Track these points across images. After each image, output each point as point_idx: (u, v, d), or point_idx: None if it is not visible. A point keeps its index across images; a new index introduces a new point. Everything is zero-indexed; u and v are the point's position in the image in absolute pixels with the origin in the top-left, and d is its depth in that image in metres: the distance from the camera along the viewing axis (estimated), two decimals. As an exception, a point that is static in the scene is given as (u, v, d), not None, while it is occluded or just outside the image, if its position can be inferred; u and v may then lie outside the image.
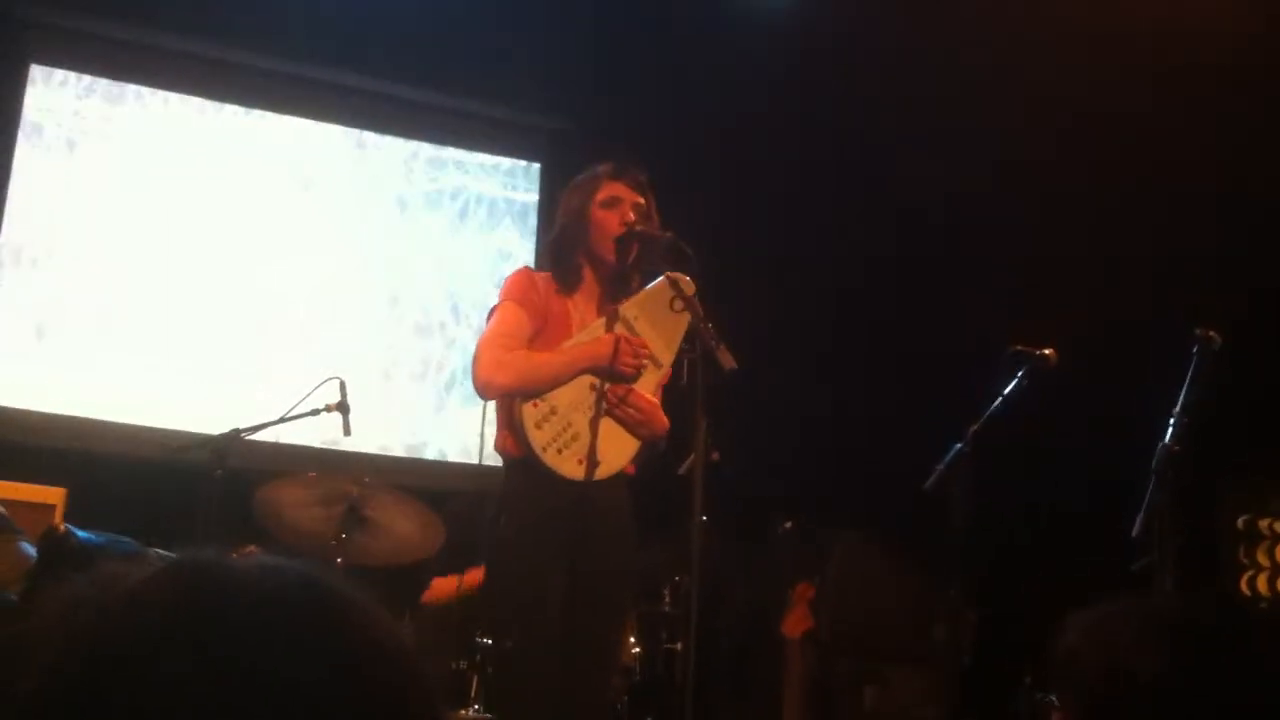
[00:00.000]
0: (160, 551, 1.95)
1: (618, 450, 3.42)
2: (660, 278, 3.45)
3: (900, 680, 5.07)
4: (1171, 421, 3.40)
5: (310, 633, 0.76)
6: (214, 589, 0.77)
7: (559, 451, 3.34)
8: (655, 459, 3.56)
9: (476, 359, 3.40)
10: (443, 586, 4.71)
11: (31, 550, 2.96)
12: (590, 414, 3.37)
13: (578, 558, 3.31)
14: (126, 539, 2.09)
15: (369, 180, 6.35)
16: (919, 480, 3.73)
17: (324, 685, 0.74)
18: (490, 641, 4.33)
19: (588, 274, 3.55)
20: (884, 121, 5.88)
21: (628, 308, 3.47)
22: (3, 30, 5.76)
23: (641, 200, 3.53)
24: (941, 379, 4.94)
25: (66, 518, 4.43)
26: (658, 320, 3.47)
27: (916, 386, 5.50)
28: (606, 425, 3.39)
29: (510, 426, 3.40)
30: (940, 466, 3.67)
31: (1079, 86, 5.29)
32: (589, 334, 3.44)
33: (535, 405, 3.34)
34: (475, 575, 4.52)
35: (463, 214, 6.51)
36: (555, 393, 3.37)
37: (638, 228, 3.45)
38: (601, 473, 3.36)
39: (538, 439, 3.33)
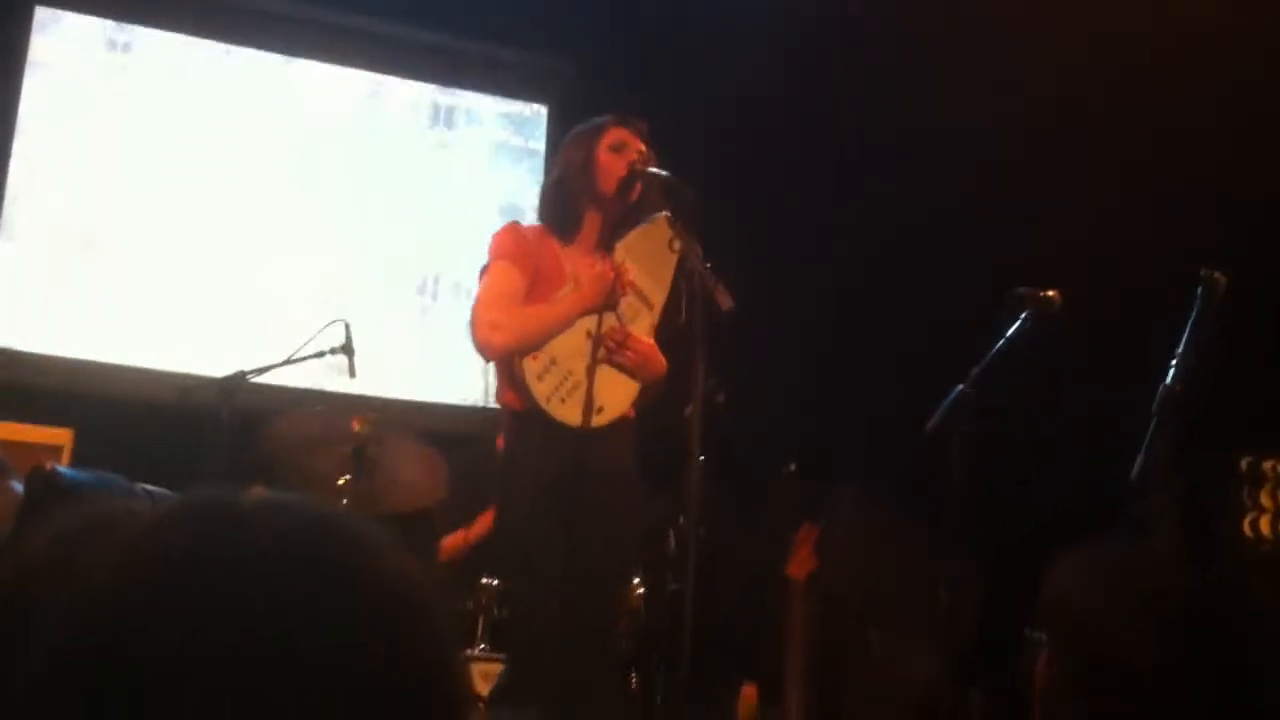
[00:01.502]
0: (148, 488, 1.95)
1: (619, 395, 3.43)
2: (651, 219, 3.45)
3: (903, 625, 5.09)
4: (1174, 362, 3.38)
5: (335, 586, 0.73)
6: (223, 537, 0.74)
7: (562, 401, 3.36)
8: (655, 402, 3.58)
9: (474, 322, 3.41)
10: (452, 543, 4.75)
11: (19, 488, 2.98)
12: (588, 361, 3.38)
13: (583, 505, 3.34)
14: (116, 476, 2.09)
15: (376, 123, 6.33)
16: (923, 423, 3.72)
17: (350, 644, 0.72)
18: (496, 582, 4.38)
19: (590, 221, 3.55)
20: (890, 62, 5.83)
21: (620, 250, 3.48)
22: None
23: (644, 148, 3.53)
24: (948, 321, 4.93)
25: (74, 459, 4.46)
26: (648, 261, 3.48)
27: (922, 329, 5.49)
28: (606, 371, 3.41)
29: (511, 381, 3.42)
30: (941, 409, 3.67)
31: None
32: (579, 279, 3.44)
33: (534, 358, 3.36)
34: (481, 523, 4.55)
35: (471, 158, 6.48)
36: (553, 343, 3.39)
37: (638, 167, 3.45)
38: (605, 418, 3.39)
39: (540, 391, 3.35)
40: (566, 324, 3.39)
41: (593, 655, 3.45)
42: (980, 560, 4.51)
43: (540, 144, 6.60)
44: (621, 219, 3.54)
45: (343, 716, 0.69)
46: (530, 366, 3.35)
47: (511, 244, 3.50)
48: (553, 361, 3.37)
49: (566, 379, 3.37)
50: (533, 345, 3.36)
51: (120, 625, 0.69)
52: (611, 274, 3.40)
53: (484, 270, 3.51)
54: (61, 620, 0.71)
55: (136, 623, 0.69)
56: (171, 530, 0.75)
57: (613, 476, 3.42)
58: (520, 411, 3.41)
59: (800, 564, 4.52)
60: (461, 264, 6.20)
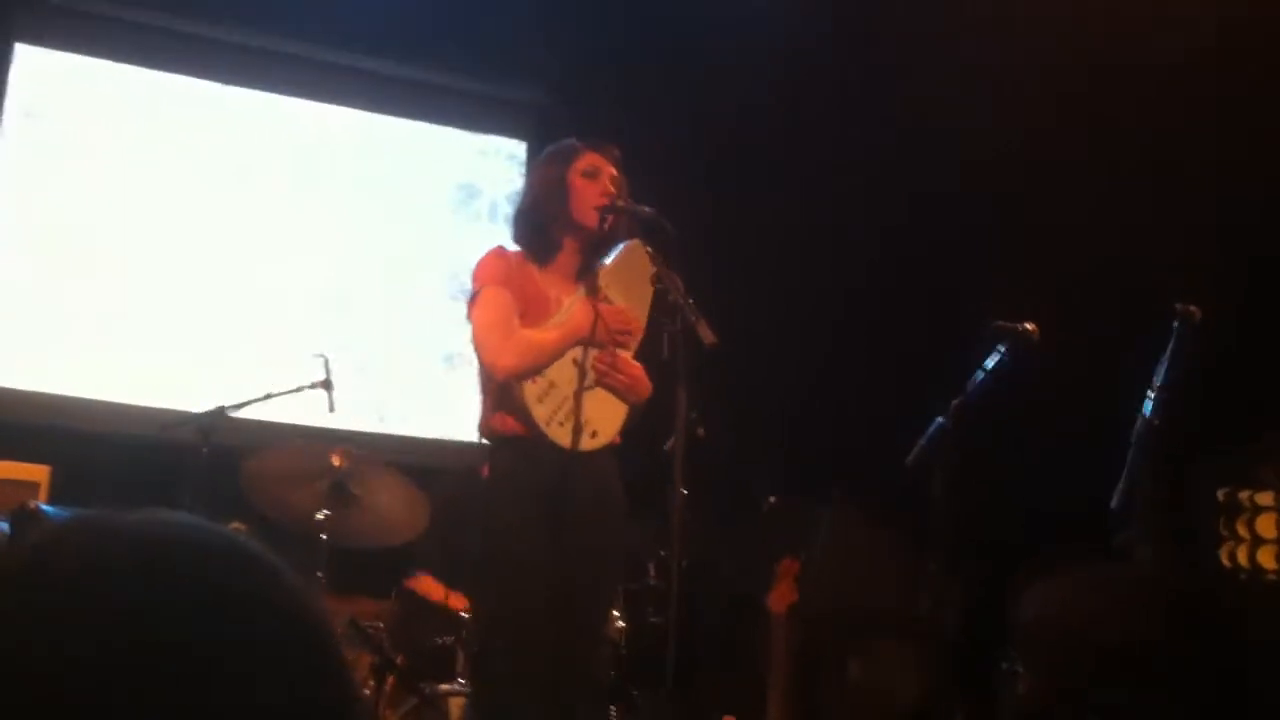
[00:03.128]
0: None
1: (610, 417, 3.47)
2: (623, 245, 3.47)
3: (885, 652, 5.09)
4: (1151, 395, 3.41)
5: (214, 599, 0.72)
6: (95, 550, 0.72)
7: (560, 424, 3.38)
8: (635, 426, 3.59)
9: (482, 348, 3.42)
10: (431, 588, 4.72)
11: (5, 527, 2.97)
12: (584, 385, 3.40)
13: (570, 530, 3.33)
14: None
15: (355, 160, 6.32)
16: (903, 455, 3.75)
17: (227, 656, 0.69)
18: (469, 616, 4.35)
19: (566, 245, 3.56)
20: (872, 93, 5.88)
21: (602, 278, 3.49)
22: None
23: (616, 174, 3.55)
24: (925, 354, 4.96)
25: (51, 495, 4.43)
26: (628, 287, 3.51)
27: (900, 362, 5.51)
28: (596, 394, 3.44)
29: (507, 405, 3.42)
30: (922, 441, 3.69)
31: (1069, 64, 5.29)
32: (568, 309, 3.46)
33: (535, 382, 3.38)
34: (460, 600, 4.53)
35: (450, 193, 6.49)
36: (552, 368, 3.41)
37: (619, 202, 3.46)
38: (599, 441, 3.43)
39: (540, 414, 3.36)
40: (565, 349, 3.42)
41: (575, 682, 3.44)
42: (961, 586, 4.53)
43: (518, 177, 6.61)
44: (597, 244, 3.55)
45: None
46: (531, 390, 3.37)
47: (500, 269, 3.51)
48: (552, 385, 3.40)
49: (564, 403, 3.39)
50: (537, 369, 3.38)
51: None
52: (593, 311, 3.42)
53: (474, 297, 3.51)
54: None
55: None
56: (47, 543, 0.73)
57: (601, 501, 3.44)
58: (512, 436, 3.42)
59: (781, 597, 4.52)
60: (443, 296, 6.19)
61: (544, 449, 3.36)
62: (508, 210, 6.48)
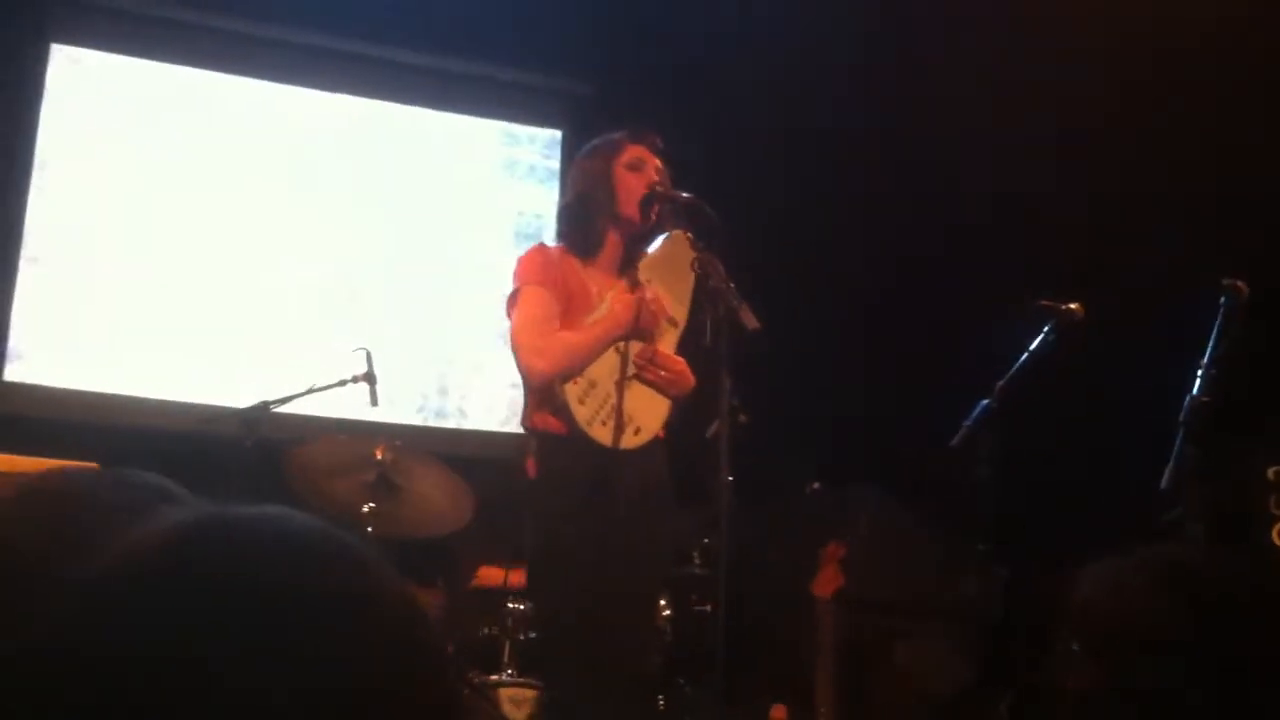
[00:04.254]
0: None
1: (653, 413, 3.45)
2: (665, 237, 3.45)
3: (930, 637, 5.08)
4: (1200, 373, 3.38)
5: (337, 606, 0.71)
6: (222, 552, 0.72)
7: (603, 424, 3.37)
8: (679, 418, 3.57)
9: (518, 349, 3.42)
10: (488, 575, 4.74)
11: None
12: (626, 383, 3.38)
13: (616, 525, 3.33)
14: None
15: (392, 151, 6.34)
16: (947, 437, 3.72)
17: (349, 665, 0.69)
18: (521, 607, 4.37)
19: (610, 239, 3.55)
20: (907, 78, 5.84)
21: (642, 270, 3.48)
22: (22, 10, 5.77)
23: (661, 164, 3.53)
24: (970, 336, 4.93)
25: (100, 492, 4.46)
26: (669, 279, 3.49)
27: (945, 344, 5.48)
28: (639, 390, 3.41)
29: (550, 405, 3.41)
30: (967, 423, 3.67)
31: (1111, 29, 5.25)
32: (606, 304, 3.45)
33: (575, 382, 3.37)
34: (520, 575, 4.54)
35: (488, 182, 6.50)
36: (592, 367, 3.40)
37: (659, 188, 3.45)
38: (642, 438, 3.41)
39: (582, 414, 3.35)
40: (604, 348, 3.40)
41: (624, 677, 3.44)
42: (1006, 569, 4.50)
43: (555, 163, 6.60)
44: (641, 237, 3.54)
45: None
46: (572, 390, 3.35)
47: (540, 268, 3.50)
48: (592, 385, 3.38)
49: (606, 402, 3.38)
50: (575, 370, 3.37)
51: (103, 634, 0.68)
52: (636, 301, 3.40)
53: (514, 295, 3.50)
54: (46, 622, 0.70)
55: (120, 633, 0.67)
56: (166, 541, 0.72)
57: (647, 496, 3.42)
58: (555, 434, 3.41)
59: (826, 582, 4.51)
60: (482, 286, 6.21)
61: (587, 447, 3.35)
62: (543, 200, 6.50)
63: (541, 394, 3.44)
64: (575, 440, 3.36)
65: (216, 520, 0.74)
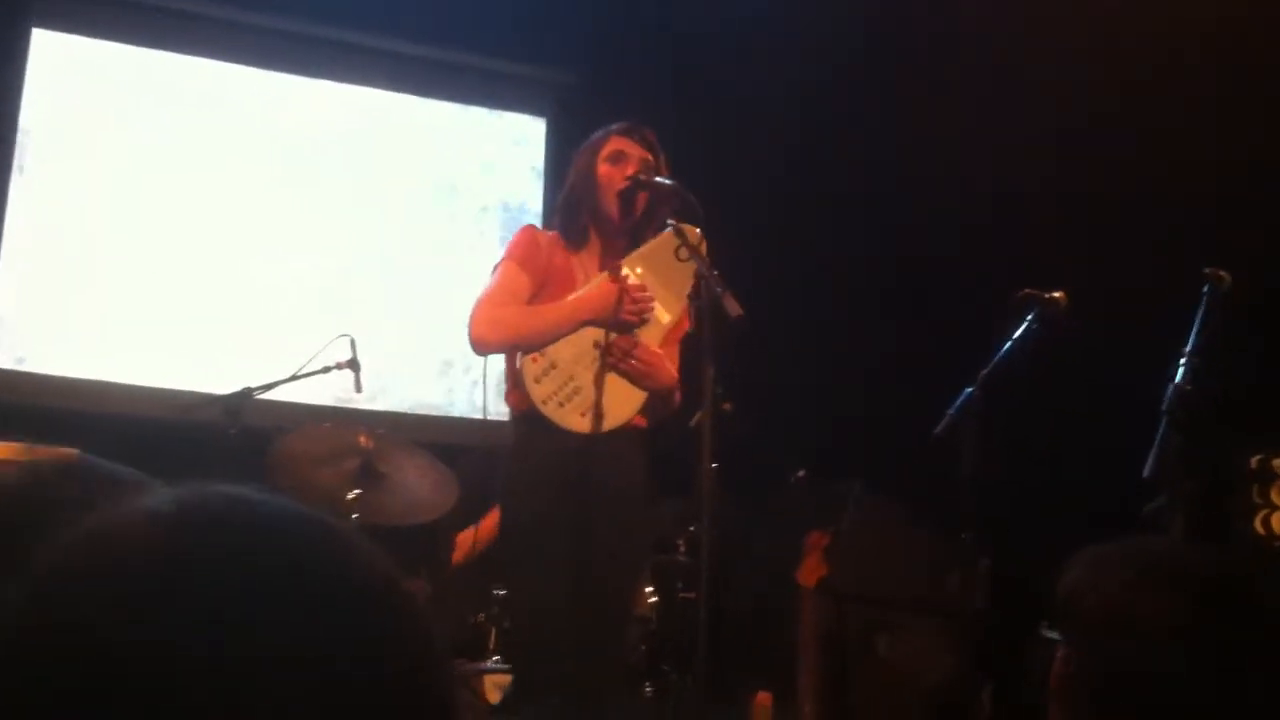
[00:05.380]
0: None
1: (622, 402, 3.42)
2: (664, 231, 3.44)
3: (915, 628, 5.08)
4: (1183, 362, 3.38)
5: (325, 591, 0.69)
6: (203, 536, 0.69)
7: (560, 405, 3.36)
8: (669, 412, 3.56)
9: (471, 318, 3.42)
10: (464, 541, 4.74)
11: None
12: (594, 368, 3.37)
13: (592, 515, 3.32)
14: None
15: (377, 138, 6.32)
16: (930, 427, 3.72)
17: (337, 650, 0.67)
18: (505, 594, 4.36)
19: (596, 233, 3.55)
20: (897, 70, 5.84)
21: (629, 261, 3.47)
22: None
23: (649, 156, 3.52)
24: (954, 326, 4.93)
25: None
26: (662, 272, 3.47)
27: (929, 334, 5.49)
28: (611, 379, 3.40)
29: (514, 381, 3.43)
30: (951, 411, 3.67)
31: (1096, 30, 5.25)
32: (588, 288, 3.44)
33: (535, 360, 3.37)
34: (489, 521, 4.55)
35: (471, 170, 6.48)
36: (555, 347, 3.39)
37: (641, 176, 3.44)
38: (606, 425, 3.37)
39: (537, 393, 3.35)
40: (567, 328, 3.38)
41: (602, 664, 3.44)
42: (989, 559, 4.51)
43: (539, 152, 6.59)
44: (627, 231, 3.53)
45: None
46: (530, 368, 3.36)
47: (523, 247, 3.52)
48: (552, 365, 3.37)
49: (567, 383, 3.37)
50: (530, 344, 3.37)
51: (75, 619, 0.65)
52: (617, 288, 3.38)
53: (495, 268, 3.54)
54: (13, 608, 0.66)
55: (89, 618, 0.64)
56: (144, 524, 0.69)
57: (621, 486, 3.41)
58: (523, 413, 3.44)
59: (810, 570, 4.51)
60: (463, 273, 6.20)
61: (545, 427, 3.36)
62: (525, 186, 6.49)
63: (510, 372, 3.46)
64: (538, 420, 3.36)
65: (196, 501, 0.72)
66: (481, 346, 3.44)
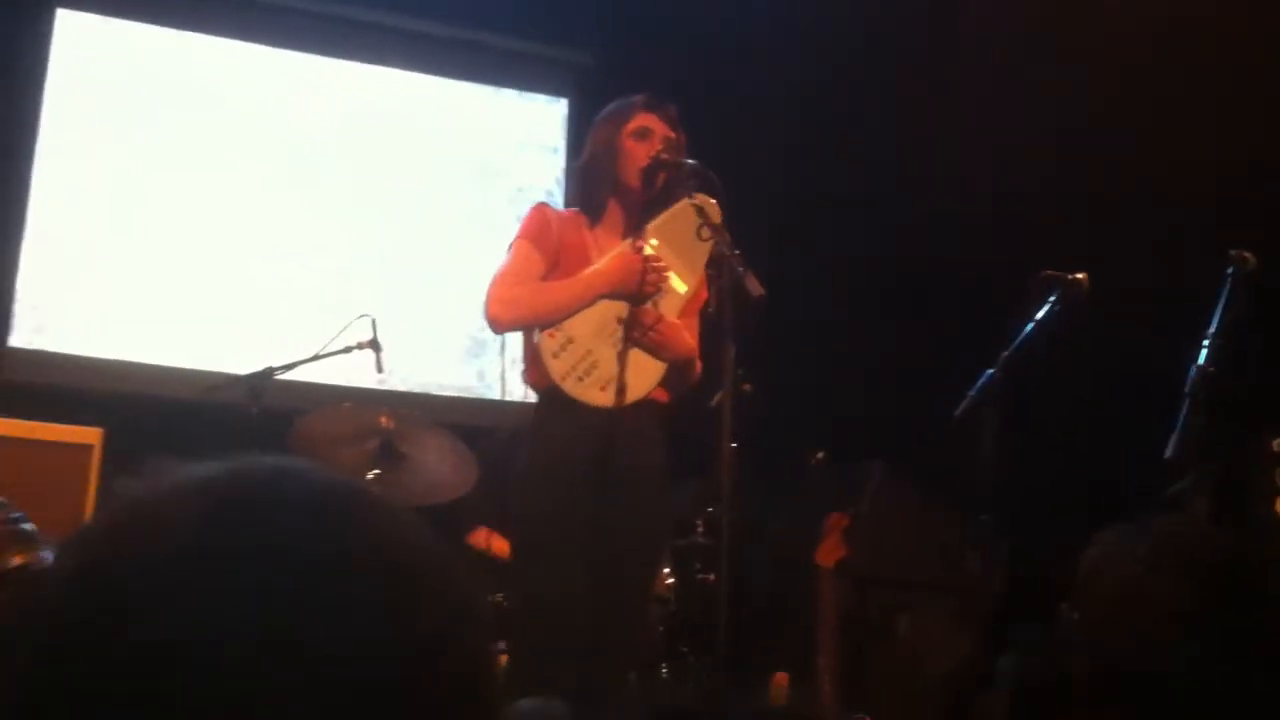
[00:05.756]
0: None
1: (641, 374, 3.39)
2: (681, 201, 3.42)
3: (933, 610, 5.09)
4: (1206, 343, 3.37)
5: (375, 572, 0.67)
6: (245, 514, 0.67)
7: (579, 380, 3.34)
8: (689, 387, 3.55)
9: (486, 297, 3.40)
10: (483, 539, 4.75)
11: (49, 556, 2.96)
12: (613, 341, 3.36)
13: (610, 493, 3.29)
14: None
15: (399, 119, 6.33)
16: (950, 409, 3.72)
17: (387, 633, 0.65)
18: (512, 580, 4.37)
19: (613, 205, 3.54)
20: (916, 53, 5.82)
21: (648, 233, 3.45)
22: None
23: (673, 135, 3.50)
24: (975, 308, 4.92)
25: (104, 458, 4.47)
26: (678, 244, 3.44)
27: (950, 315, 5.47)
28: (634, 353, 3.37)
29: (532, 358, 3.43)
30: (971, 392, 3.66)
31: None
32: (605, 261, 3.43)
33: (552, 335, 3.35)
34: (502, 544, 4.55)
35: (491, 150, 6.49)
36: (572, 322, 3.36)
37: (664, 155, 3.43)
38: (627, 398, 3.34)
39: (556, 368, 3.34)
40: (583, 301, 3.36)
41: (624, 647, 3.44)
42: (1009, 542, 4.51)
43: (560, 133, 6.59)
44: (649, 203, 3.52)
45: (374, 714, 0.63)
46: (547, 344, 3.34)
47: (535, 225, 3.50)
48: (570, 340, 3.35)
49: (585, 357, 3.35)
50: (546, 320, 3.35)
51: (111, 603, 0.63)
52: (639, 260, 3.37)
53: (508, 249, 3.52)
54: (51, 596, 0.65)
55: (134, 611, 0.62)
56: (181, 499, 0.67)
57: (642, 464, 3.38)
58: (543, 389, 3.43)
59: (829, 551, 4.51)
60: (485, 254, 6.20)
61: (576, 404, 3.34)
62: (547, 168, 6.49)
63: (528, 348, 3.46)
64: (558, 395, 3.35)
65: (241, 474, 0.70)
66: (497, 325, 3.44)
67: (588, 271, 3.41)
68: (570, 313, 3.37)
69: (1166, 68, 5.15)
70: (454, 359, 6.23)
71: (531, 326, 3.39)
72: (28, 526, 3.17)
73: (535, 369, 3.43)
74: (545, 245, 3.46)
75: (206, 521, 0.66)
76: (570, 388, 3.33)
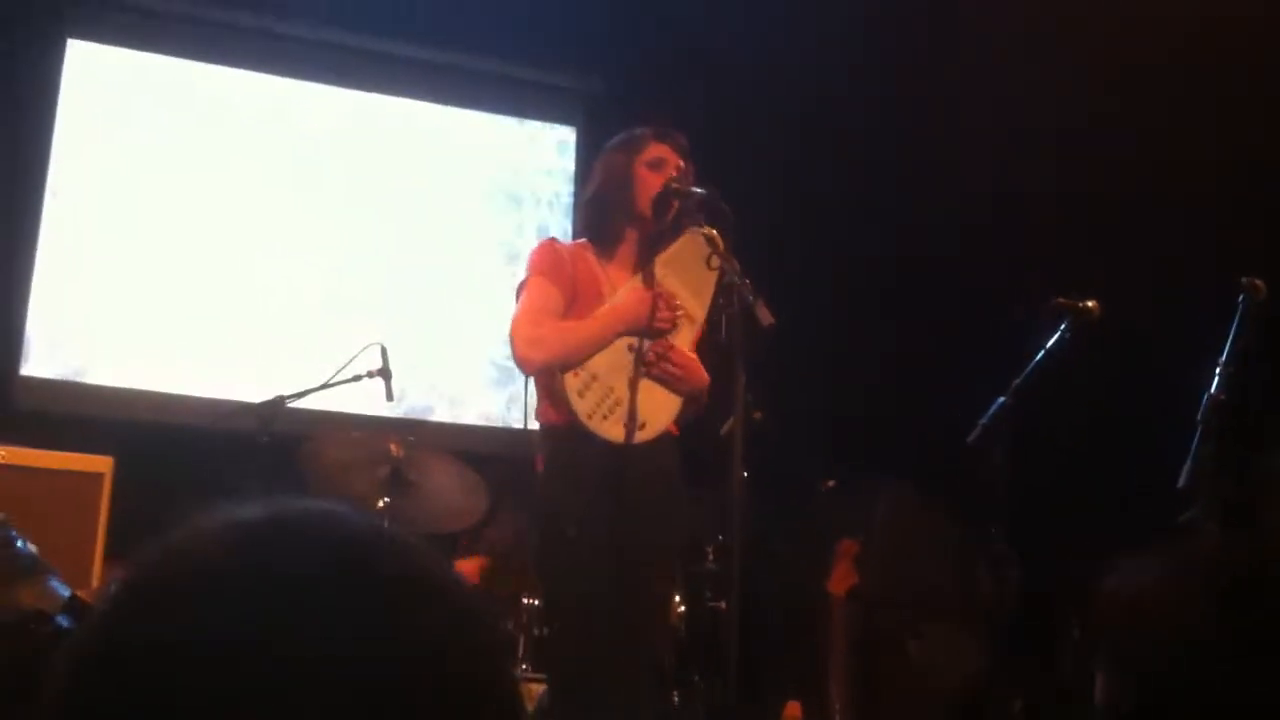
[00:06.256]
0: None
1: (661, 409, 3.40)
2: (686, 232, 3.43)
3: (945, 634, 5.07)
4: (1218, 371, 3.36)
5: (401, 606, 0.69)
6: (271, 551, 0.70)
7: (604, 418, 3.33)
8: (698, 417, 3.56)
9: (512, 337, 3.38)
10: (466, 568, 4.76)
11: (63, 589, 2.96)
12: (629, 375, 3.36)
13: (626, 522, 3.29)
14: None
15: (407, 148, 6.35)
16: (962, 435, 3.71)
17: (415, 665, 0.67)
18: (537, 602, 4.37)
19: (629, 236, 3.54)
20: (925, 70, 5.82)
21: (659, 266, 3.46)
22: (40, 5, 5.78)
23: (683, 164, 3.51)
24: (984, 332, 4.92)
25: (115, 486, 4.47)
26: (687, 275, 3.46)
27: (959, 340, 5.47)
28: (647, 385, 3.37)
29: (551, 397, 3.40)
30: (983, 420, 3.65)
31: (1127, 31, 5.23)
32: (620, 297, 3.43)
33: (575, 374, 3.33)
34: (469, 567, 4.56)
35: (502, 180, 6.50)
36: (594, 359, 3.36)
37: (675, 185, 3.43)
38: (648, 434, 3.35)
39: (582, 407, 3.32)
40: (605, 341, 3.36)
41: (636, 673, 3.43)
42: (1021, 568, 4.49)
43: (569, 162, 6.61)
44: (658, 236, 3.52)
45: None
46: (571, 383, 3.33)
47: (548, 260, 3.48)
48: (594, 378, 3.34)
49: (608, 395, 3.34)
50: (573, 361, 3.34)
51: (141, 644, 0.66)
52: (652, 296, 3.37)
53: (521, 286, 3.49)
54: (79, 638, 0.68)
55: (161, 640, 0.65)
56: (210, 541, 0.70)
57: (656, 493, 3.39)
58: (561, 428, 3.40)
59: (840, 579, 4.51)
60: (496, 282, 6.22)
61: (590, 440, 3.33)
62: (556, 196, 6.51)
63: (546, 387, 3.42)
64: (577, 433, 3.34)
65: (272, 517, 0.73)
66: (528, 366, 3.41)
67: (605, 310, 3.40)
68: (595, 352, 3.37)
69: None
70: (471, 387, 6.23)
71: (559, 367, 3.36)
72: (24, 548, 3.17)
73: (554, 407, 3.41)
74: (561, 280, 3.45)
75: (233, 553, 0.69)
76: (596, 426, 3.32)
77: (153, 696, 0.63)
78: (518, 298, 3.50)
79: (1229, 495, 3.47)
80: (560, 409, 3.36)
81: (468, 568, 4.72)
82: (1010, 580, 4.39)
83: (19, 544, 3.10)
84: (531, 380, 3.55)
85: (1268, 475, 3.95)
